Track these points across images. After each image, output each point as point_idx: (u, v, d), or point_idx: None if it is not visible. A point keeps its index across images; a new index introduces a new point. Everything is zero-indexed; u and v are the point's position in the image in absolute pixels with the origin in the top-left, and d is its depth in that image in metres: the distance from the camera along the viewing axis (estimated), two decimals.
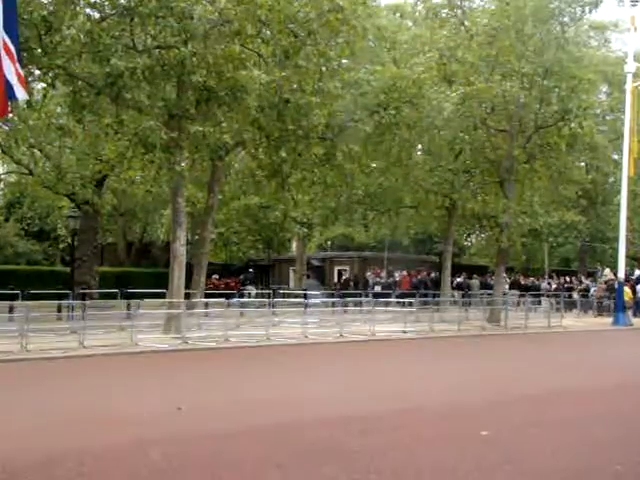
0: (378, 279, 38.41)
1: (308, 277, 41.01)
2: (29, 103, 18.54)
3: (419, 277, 38.45)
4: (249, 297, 31.10)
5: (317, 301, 29.00)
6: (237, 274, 41.77)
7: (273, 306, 24.30)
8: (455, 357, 18.63)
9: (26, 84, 17.67)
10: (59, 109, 26.43)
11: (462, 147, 29.16)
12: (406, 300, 25.86)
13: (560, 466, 7.63)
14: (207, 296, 25.40)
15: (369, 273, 39.76)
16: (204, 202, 28.33)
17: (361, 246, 45.79)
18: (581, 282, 40.81)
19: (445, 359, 18.23)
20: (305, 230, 39.72)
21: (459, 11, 29.32)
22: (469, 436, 8.84)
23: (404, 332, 23.09)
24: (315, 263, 47.14)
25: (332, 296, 31.61)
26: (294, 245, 47.24)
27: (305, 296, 29.84)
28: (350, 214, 33.58)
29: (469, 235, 52.83)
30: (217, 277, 39.52)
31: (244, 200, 34.66)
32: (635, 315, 33.16)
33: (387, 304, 28.35)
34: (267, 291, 33.17)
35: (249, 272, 39.86)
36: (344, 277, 41.92)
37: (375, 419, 9.76)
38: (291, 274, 46.39)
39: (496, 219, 28.38)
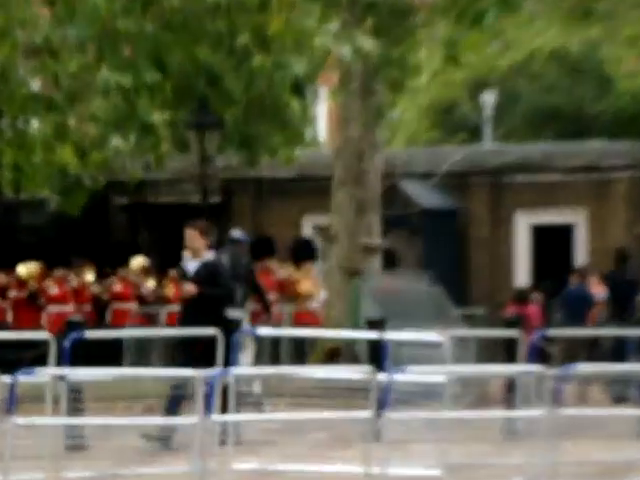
0: None
1: (391, 262, 16.49)
2: None
3: None
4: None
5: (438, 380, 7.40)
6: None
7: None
8: None
9: None
10: None
11: None
12: None
13: None
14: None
15: None
16: None
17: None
18: None
19: None
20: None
21: None
22: None
23: None
24: (425, 205, 20.00)
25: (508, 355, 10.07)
26: (321, 127, 21.39)
27: (377, 354, 9.23)
28: None
29: None
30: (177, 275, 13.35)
31: None
32: None
33: None
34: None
35: (236, 240, 12.54)
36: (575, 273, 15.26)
37: None
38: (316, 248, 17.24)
39: None
